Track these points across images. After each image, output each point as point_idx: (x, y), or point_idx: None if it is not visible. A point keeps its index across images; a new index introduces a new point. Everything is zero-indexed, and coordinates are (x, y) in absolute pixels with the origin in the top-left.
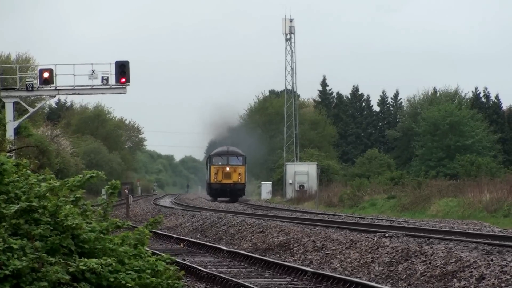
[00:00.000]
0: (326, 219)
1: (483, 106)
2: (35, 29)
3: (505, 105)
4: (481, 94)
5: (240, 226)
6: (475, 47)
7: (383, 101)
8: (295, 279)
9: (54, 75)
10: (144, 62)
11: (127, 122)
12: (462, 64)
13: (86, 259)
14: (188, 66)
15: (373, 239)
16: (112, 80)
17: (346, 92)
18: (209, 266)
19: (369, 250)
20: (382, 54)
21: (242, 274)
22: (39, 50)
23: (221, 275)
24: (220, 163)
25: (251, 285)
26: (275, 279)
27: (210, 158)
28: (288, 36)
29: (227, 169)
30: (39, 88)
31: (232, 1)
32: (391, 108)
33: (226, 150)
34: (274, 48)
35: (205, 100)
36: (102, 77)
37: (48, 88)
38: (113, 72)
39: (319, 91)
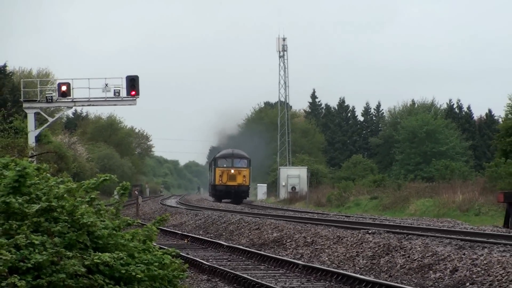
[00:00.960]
0: (316, 217)
1: (456, 116)
2: (54, 47)
3: (476, 115)
4: (455, 106)
5: (238, 224)
6: (450, 63)
7: (366, 111)
8: (288, 271)
9: (71, 88)
10: (152, 75)
11: (136, 130)
12: (438, 79)
13: (100, 253)
14: (192, 79)
15: (358, 235)
16: (123, 93)
17: (334, 103)
18: (210, 260)
19: (354, 245)
20: (366, 69)
21: (240, 266)
22: (57, 66)
23: (221, 267)
24: (225, 165)
25: (248, 277)
26: (270, 271)
27: (215, 160)
28: (281, 54)
29: (232, 171)
30: (57, 100)
31: (232, 22)
32: (374, 118)
33: (231, 152)
34: (270, 63)
35: (206, 110)
36: (114, 90)
37: (66, 100)
38: (124, 85)
39: (309, 102)
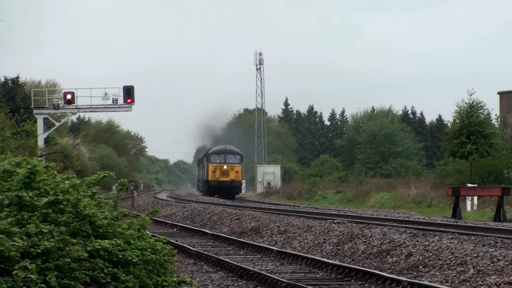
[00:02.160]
0: (288, 209)
1: (411, 121)
2: (60, 60)
3: (427, 120)
4: (409, 112)
5: (220, 215)
6: (405, 75)
7: (332, 117)
8: (264, 256)
9: (75, 96)
10: (146, 83)
11: (132, 133)
12: (394, 88)
13: (100, 240)
14: (179, 87)
15: (325, 225)
16: (121, 101)
17: (304, 109)
18: (196, 246)
19: (321, 233)
20: (332, 79)
21: (222, 252)
22: (63, 77)
23: (205, 253)
24: (218, 161)
25: (229, 261)
26: (248, 256)
27: (208, 156)
28: (258, 67)
29: (225, 167)
30: (63, 107)
31: (216, 36)
32: (339, 123)
33: (223, 148)
34: (249, 74)
35: (193, 115)
36: (112, 98)
37: (70, 107)
38: (121, 94)
39: (283, 109)
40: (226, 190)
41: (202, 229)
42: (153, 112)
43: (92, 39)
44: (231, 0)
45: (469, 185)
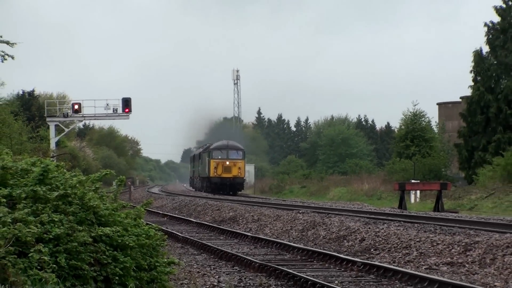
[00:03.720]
0: (261, 201)
1: (364, 127)
2: (69, 76)
3: (378, 127)
4: (362, 119)
5: (204, 206)
6: (359, 88)
7: (298, 123)
8: (241, 240)
9: (81, 107)
10: (141, 95)
11: (129, 137)
12: (350, 99)
13: (102, 228)
14: (170, 99)
15: (291, 214)
16: (120, 110)
17: (274, 117)
18: (183, 232)
19: (288, 222)
20: (298, 91)
21: (205, 237)
22: (72, 90)
23: (191, 238)
24: (220, 157)
25: (211, 244)
26: (227, 240)
27: (210, 152)
28: (235, 82)
29: (227, 163)
30: (71, 116)
31: (200, 52)
32: (303, 129)
33: (226, 144)
34: (228, 87)
35: (181, 122)
36: (113, 108)
37: (78, 116)
38: (121, 105)
39: (256, 117)
40: (229, 187)
41: (188, 218)
42: (147, 118)
43: (97, 58)
44: (217, 25)
45: (412, 181)
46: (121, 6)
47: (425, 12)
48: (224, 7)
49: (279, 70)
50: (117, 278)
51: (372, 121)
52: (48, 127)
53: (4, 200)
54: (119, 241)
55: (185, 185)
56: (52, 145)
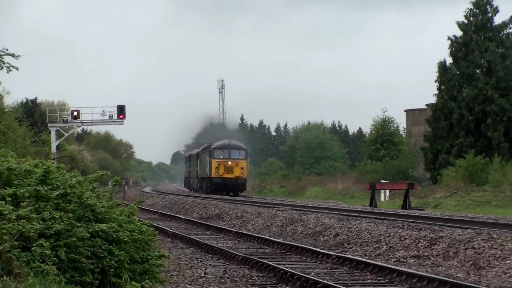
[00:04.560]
0: (243, 200)
1: (338, 132)
2: (69, 85)
3: (350, 131)
4: (337, 125)
5: (192, 204)
6: (333, 96)
7: (278, 129)
8: (225, 236)
9: (80, 113)
10: (135, 102)
11: (124, 141)
12: (325, 107)
13: (99, 224)
14: (160, 105)
15: (272, 212)
16: (115, 116)
17: (256, 123)
18: (173, 228)
19: (269, 218)
20: (278, 100)
21: (193, 232)
22: (71, 98)
23: (180, 233)
24: (221, 157)
25: (199, 239)
26: (213, 235)
27: (211, 152)
28: (221, 90)
29: (229, 163)
30: (71, 121)
31: (190, 68)
32: (283, 133)
33: (228, 143)
34: (214, 96)
35: (170, 126)
36: (109, 114)
37: (76, 121)
38: (116, 111)
39: (239, 123)
40: (231, 188)
41: (177, 215)
42: (140, 124)
43: (94, 68)
44: (205, 38)
45: (382, 181)
46: (117, 21)
47: (395, 27)
48: (212, 22)
49: (261, 80)
50: (112, 270)
51: (345, 126)
52: (49, 132)
53: (9, 198)
54: (114, 236)
55: (174, 185)
56: (53, 149)
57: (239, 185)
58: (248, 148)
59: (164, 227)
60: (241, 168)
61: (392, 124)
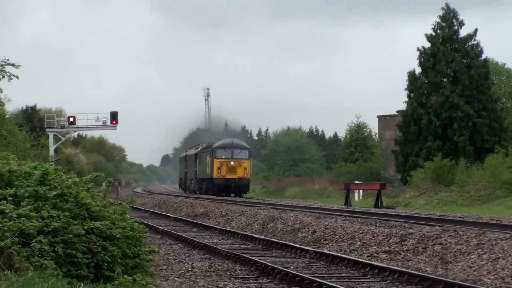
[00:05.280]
0: (228, 199)
1: (315, 136)
2: (66, 93)
3: (327, 136)
4: (314, 130)
5: (179, 203)
6: (311, 103)
7: (259, 133)
8: (211, 232)
9: (76, 119)
10: (127, 109)
11: (117, 145)
12: (304, 113)
13: (94, 222)
14: (151, 111)
15: (254, 210)
16: (108, 122)
17: (238, 128)
18: (162, 225)
19: (251, 216)
20: (260, 106)
21: (181, 229)
22: (68, 105)
23: (169, 230)
24: (224, 157)
25: (186, 236)
26: (200, 232)
27: (213, 151)
28: (206, 98)
29: (232, 163)
30: (67, 127)
31: (179, 76)
32: (264, 138)
33: (230, 142)
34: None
35: (160, 131)
36: (102, 120)
37: (72, 127)
38: (109, 117)
39: (224, 128)
40: (234, 189)
41: (166, 213)
42: (132, 129)
43: (90, 77)
44: (194, 50)
45: (356, 181)
46: (111, 34)
47: (369, 39)
48: (200, 36)
49: (244, 88)
50: (106, 264)
51: (322, 131)
52: (48, 137)
53: (10, 198)
54: (108, 233)
55: (164, 185)
56: (51, 152)
57: (242, 186)
58: None
59: (154, 225)
60: (245, 168)
61: (365, 129)
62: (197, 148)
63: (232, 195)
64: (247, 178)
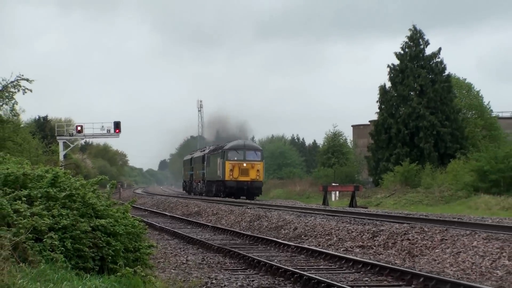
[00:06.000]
0: (218, 200)
1: (296, 143)
2: (74, 104)
3: (307, 143)
4: (295, 138)
5: (175, 203)
6: (293, 113)
7: None
8: (204, 229)
9: (83, 128)
10: (128, 119)
11: (119, 151)
12: (286, 122)
13: (99, 219)
14: (150, 120)
15: (242, 209)
16: (112, 131)
17: (228, 136)
18: (160, 223)
19: (239, 215)
20: (247, 116)
21: (176, 226)
22: (76, 115)
23: (166, 227)
24: (236, 159)
25: (181, 232)
26: (193, 229)
27: (224, 153)
28: (199, 109)
29: (245, 165)
30: (75, 135)
31: (175, 90)
32: None
33: (242, 144)
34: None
35: (158, 138)
36: (107, 129)
37: (80, 135)
38: (112, 126)
39: (215, 136)
40: (246, 191)
41: (163, 212)
42: (133, 136)
43: (95, 90)
44: (188, 66)
45: (333, 184)
46: (114, 52)
47: (345, 57)
48: (194, 53)
49: (234, 100)
50: (110, 257)
51: (303, 138)
52: (58, 144)
53: (25, 198)
54: (112, 229)
55: (161, 187)
56: (61, 157)
57: (255, 188)
58: None
59: (153, 222)
60: (257, 170)
61: (341, 137)
62: (204, 150)
63: (242, 197)
64: (259, 181)
